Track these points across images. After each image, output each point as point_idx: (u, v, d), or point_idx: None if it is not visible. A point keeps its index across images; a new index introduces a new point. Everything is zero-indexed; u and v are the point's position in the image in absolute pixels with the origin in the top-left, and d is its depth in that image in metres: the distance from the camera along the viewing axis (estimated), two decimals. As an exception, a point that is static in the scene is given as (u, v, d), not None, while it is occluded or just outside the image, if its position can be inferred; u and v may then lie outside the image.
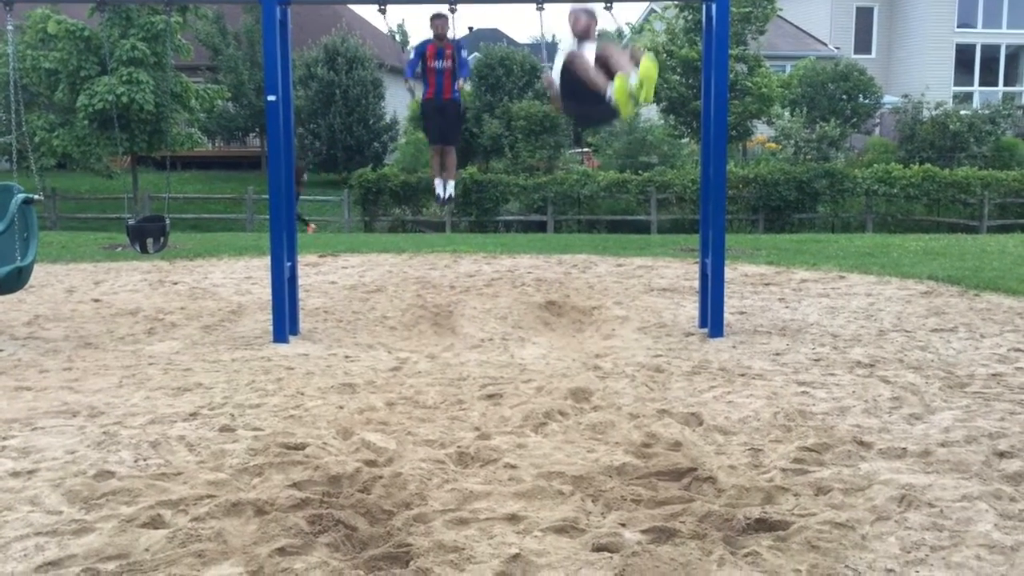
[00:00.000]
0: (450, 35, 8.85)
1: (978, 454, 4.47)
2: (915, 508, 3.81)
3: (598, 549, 3.46)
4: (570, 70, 6.43)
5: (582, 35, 6.86)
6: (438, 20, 8.89)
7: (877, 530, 3.62)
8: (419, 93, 9.23)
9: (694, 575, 3.24)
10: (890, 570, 3.28)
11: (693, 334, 7.69)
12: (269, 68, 7.42)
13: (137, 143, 18.80)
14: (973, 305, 8.84)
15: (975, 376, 6.08)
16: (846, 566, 3.30)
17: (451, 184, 9.62)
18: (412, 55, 9.19)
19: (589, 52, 6.59)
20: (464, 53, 9.02)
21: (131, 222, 8.26)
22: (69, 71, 18.26)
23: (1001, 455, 4.46)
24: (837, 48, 35.35)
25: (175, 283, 10.69)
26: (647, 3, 28.58)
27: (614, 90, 6.05)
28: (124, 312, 8.75)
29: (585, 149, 33.24)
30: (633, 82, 6.01)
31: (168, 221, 8.29)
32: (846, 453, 4.54)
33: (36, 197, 7.71)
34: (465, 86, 9.16)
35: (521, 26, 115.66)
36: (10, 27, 8.00)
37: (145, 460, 4.42)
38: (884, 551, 3.44)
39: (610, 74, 6.07)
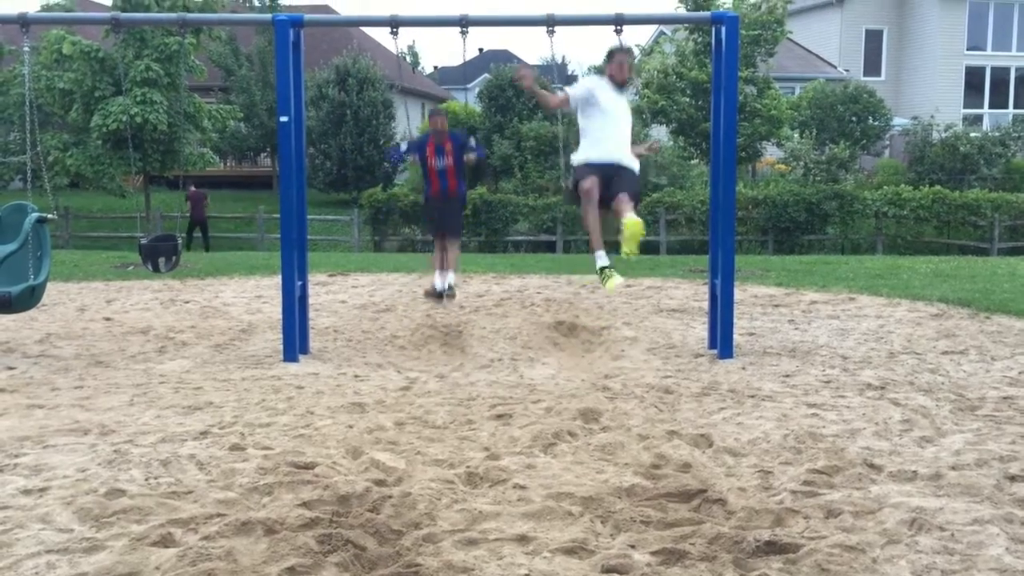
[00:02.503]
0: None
1: (989, 477, 4.45)
2: (926, 531, 3.80)
3: (608, 571, 3.45)
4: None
5: (623, 83, 6.89)
6: (436, 117, 8.57)
7: (888, 553, 3.61)
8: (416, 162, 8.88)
9: (704, 597, 3.23)
10: (901, 594, 3.27)
11: (703, 355, 7.69)
12: (282, 89, 7.49)
13: (150, 162, 18.93)
14: (984, 327, 8.81)
15: (986, 399, 6.06)
16: (856, 589, 3.28)
17: (451, 275, 8.76)
18: (404, 146, 8.84)
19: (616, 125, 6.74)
20: (473, 142, 8.61)
21: (143, 241, 8.31)
22: (83, 91, 18.43)
23: (1012, 479, 4.44)
24: (847, 70, 35.42)
25: (186, 302, 10.74)
26: (657, 25, 28.73)
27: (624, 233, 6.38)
28: (135, 331, 8.80)
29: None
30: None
31: (180, 240, 8.34)
32: (856, 476, 4.52)
33: (49, 216, 7.78)
34: (473, 158, 8.60)
35: (531, 47, 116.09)
36: (26, 48, 8.08)
37: (156, 478, 4.44)
38: (895, 575, 3.42)
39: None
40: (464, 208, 8.87)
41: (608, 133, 6.65)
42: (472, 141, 8.67)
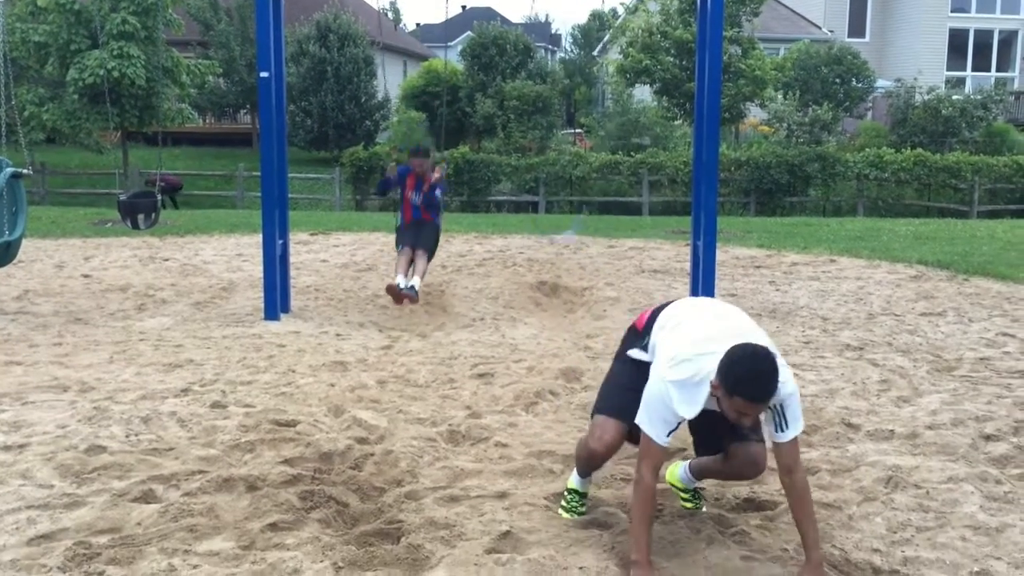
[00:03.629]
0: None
1: (965, 437, 4.51)
2: (902, 489, 3.85)
3: (588, 526, 3.49)
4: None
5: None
6: (416, 159, 7.98)
7: (864, 511, 3.66)
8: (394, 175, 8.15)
9: (683, 553, 3.27)
10: (876, 550, 3.32)
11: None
12: (262, 44, 7.38)
13: (127, 118, 18.67)
14: (962, 289, 8.89)
15: (963, 360, 6.12)
16: (833, 545, 3.33)
17: (417, 280, 7.86)
18: (395, 176, 8.12)
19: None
20: (439, 193, 8.06)
21: (122, 197, 8.22)
22: (59, 44, 18.08)
23: (987, 438, 4.50)
24: (831, 31, 35.26)
25: (165, 259, 10.66)
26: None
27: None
28: (114, 288, 8.73)
29: (577, 130, 33.17)
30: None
31: (159, 197, 8.26)
32: (834, 435, 4.58)
33: (25, 171, 7.66)
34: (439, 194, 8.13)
35: (514, 5, 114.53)
36: (0, -1, 7.91)
37: (136, 435, 4.42)
38: (871, 531, 3.47)
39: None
40: (438, 233, 8.27)
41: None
42: (439, 189, 8.11)
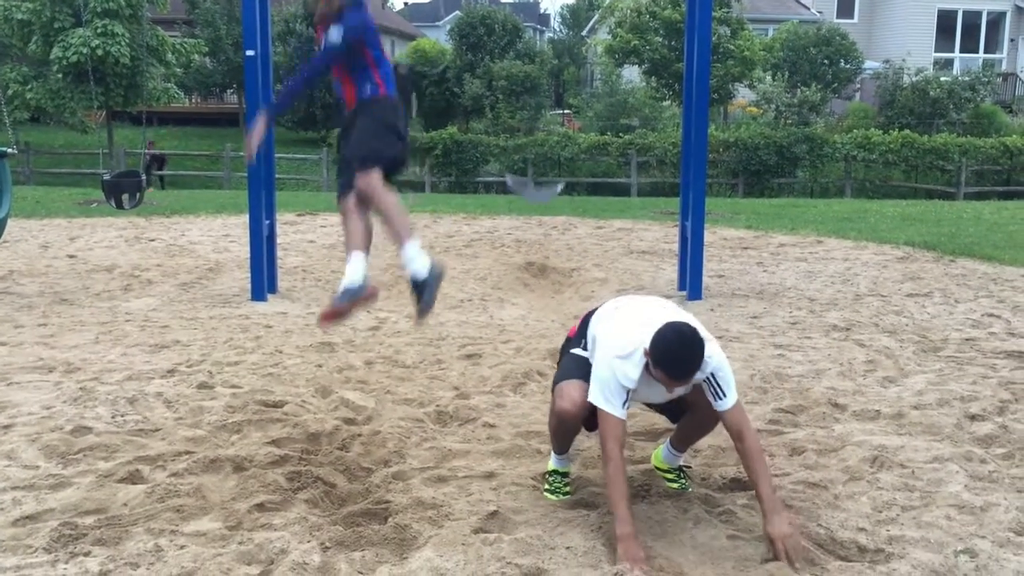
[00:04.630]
0: None
1: (950, 417, 4.53)
2: (887, 469, 3.87)
3: (576, 506, 3.50)
4: None
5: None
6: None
7: (850, 490, 3.68)
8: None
9: (670, 532, 3.28)
10: (862, 529, 3.33)
11: (672, 297, 7.72)
12: (248, 22, 7.30)
13: (112, 97, 18.52)
14: (948, 271, 8.93)
15: (949, 340, 6.15)
16: (819, 525, 3.35)
17: (410, 248, 4.28)
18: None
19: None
20: (336, 37, 4.21)
21: (106, 177, 8.16)
22: (43, 22, 17.90)
23: (972, 418, 4.53)
24: (820, 12, 35.18)
25: (152, 240, 10.59)
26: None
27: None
28: (100, 268, 8.67)
29: (566, 111, 33.09)
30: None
31: (144, 177, 8.19)
32: (820, 415, 4.59)
33: (9, 151, 7.59)
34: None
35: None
36: (-19, -25, 7.81)
37: (122, 416, 4.40)
38: (856, 510, 3.49)
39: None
40: (386, 113, 4.34)
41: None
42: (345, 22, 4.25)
